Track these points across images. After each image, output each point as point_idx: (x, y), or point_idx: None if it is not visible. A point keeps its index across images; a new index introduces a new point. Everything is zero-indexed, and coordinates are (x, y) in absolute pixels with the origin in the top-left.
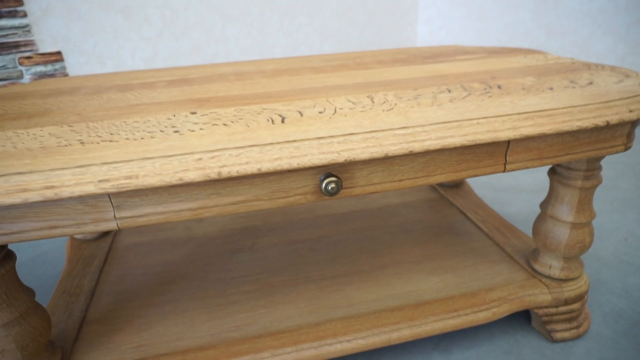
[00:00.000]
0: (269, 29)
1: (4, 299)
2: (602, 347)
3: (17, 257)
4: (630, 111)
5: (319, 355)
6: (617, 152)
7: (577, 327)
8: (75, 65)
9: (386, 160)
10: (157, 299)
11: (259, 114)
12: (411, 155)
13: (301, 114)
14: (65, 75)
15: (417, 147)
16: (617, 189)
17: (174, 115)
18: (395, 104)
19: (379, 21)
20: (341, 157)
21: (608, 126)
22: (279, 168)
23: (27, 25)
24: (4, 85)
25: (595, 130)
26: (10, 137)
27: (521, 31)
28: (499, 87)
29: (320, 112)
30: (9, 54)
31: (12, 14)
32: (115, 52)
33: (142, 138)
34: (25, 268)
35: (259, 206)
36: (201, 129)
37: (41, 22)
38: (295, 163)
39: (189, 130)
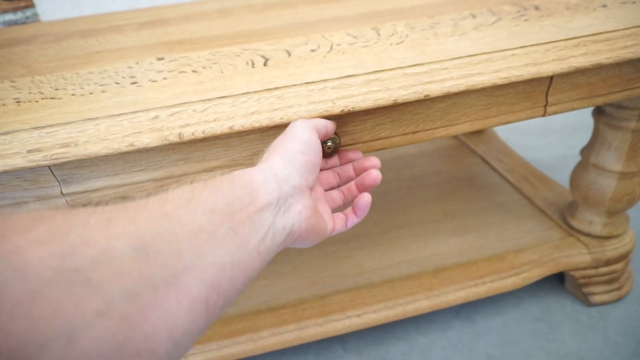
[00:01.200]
0: None
1: None
2: None
3: None
4: None
5: (324, 332)
6: None
7: (619, 288)
8: (48, 11)
9: (395, 109)
10: None
11: (237, 56)
12: (427, 101)
13: (289, 54)
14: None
15: (435, 89)
16: None
17: (137, 63)
18: (407, 36)
19: None
20: (336, 108)
21: None
22: (256, 125)
23: None
24: None
25: None
26: None
27: None
28: (536, 8)
29: (313, 50)
30: None
31: None
32: None
33: (90, 93)
34: None
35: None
36: (165, 78)
37: None
38: (277, 118)
39: (149, 80)
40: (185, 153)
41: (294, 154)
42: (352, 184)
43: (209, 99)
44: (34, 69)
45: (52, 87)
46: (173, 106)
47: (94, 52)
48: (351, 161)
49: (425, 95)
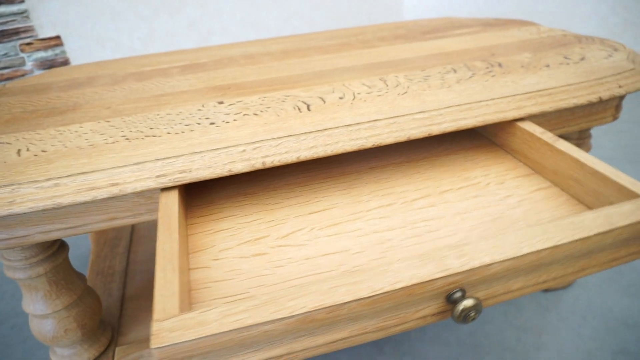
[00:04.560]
0: (261, 0)
1: (63, 284)
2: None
3: None
4: (620, 87)
5: None
6: (606, 122)
7: None
8: (75, 49)
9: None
10: None
11: (283, 101)
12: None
13: (323, 101)
14: (66, 59)
15: (435, 129)
16: (602, 147)
17: (203, 106)
18: (408, 87)
19: None
20: (369, 142)
21: (600, 101)
22: (315, 156)
23: (25, 11)
24: (10, 74)
25: (589, 105)
26: (55, 136)
27: None
28: (500, 65)
29: (341, 98)
30: (9, 41)
31: (10, 0)
32: (113, 34)
33: (182, 132)
34: None
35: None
36: (234, 119)
37: (39, 7)
38: (329, 150)
39: (223, 122)
40: (308, 330)
41: None
42: None
43: (279, 137)
44: (116, 110)
45: (146, 127)
46: (254, 142)
47: (159, 95)
48: None
49: (429, 134)
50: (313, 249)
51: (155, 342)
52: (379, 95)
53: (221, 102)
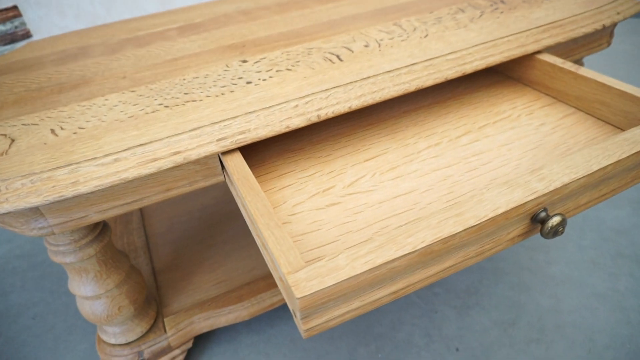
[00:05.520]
0: None
1: (111, 263)
2: None
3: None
4: (618, 13)
5: None
6: (602, 49)
7: None
8: (34, 19)
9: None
10: (214, 240)
11: (309, 54)
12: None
13: (351, 50)
14: (27, 32)
15: (468, 68)
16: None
17: (227, 66)
18: (427, 30)
19: None
20: (412, 86)
21: (603, 29)
22: (365, 104)
23: None
24: None
25: (592, 33)
26: (83, 112)
27: None
28: (502, 1)
29: (366, 46)
30: None
31: None
32: (73, 0)
33: (222, 94)
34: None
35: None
36: (271, 77)
37: None
38: (377, 97)
39: (260, 79)
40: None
41: None
42: None
43: (326, 89)
44: (134, 79)
45: (180, 92)
46: (304, 97)
47: (172, 60)
48: None
49: (463, 73)
50: (383, 193)
51: (298, 293)
52: (403, 40)
53: (245, 61)
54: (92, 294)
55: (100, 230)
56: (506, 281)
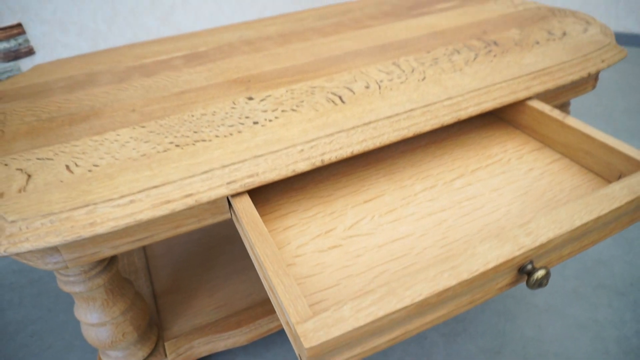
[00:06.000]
0: None
1: (117, 291)
2: None
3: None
4: (603, 61)
5: None
6: (586, 92)
7: None
8: (37, 35)
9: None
10: (213, 262)
11: (312, 94)
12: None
13: (352, 92)
14: (30, 48)
15: (463, 114)
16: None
17: (234, 103)
18: (424, 72)
19: None
20: (410, 132)
21: (589, 76)
22: (366, 149)
23: None
24: None
25: (579, 79)
26: (96, 147)
27: None
28: (495, 43)
29: (367, 87)
30: None
31: None
32: (76, 16)
33: (230, 134)
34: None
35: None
36: (276, 117)
37: None
38: (377, 142)
39: (266, 120)
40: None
41: None
42: None
43: (330, 134)
44: (143, 113)
45: (189, 130)
46: (309, 141)
47: (179, 93)
48: None
49: (458, 119)
50: (382, 236)
51: (307, 343)
52: (402, 83)
53: (251, 98)
54: (97, 321)
55: (108, 261)
56: (492, 309)
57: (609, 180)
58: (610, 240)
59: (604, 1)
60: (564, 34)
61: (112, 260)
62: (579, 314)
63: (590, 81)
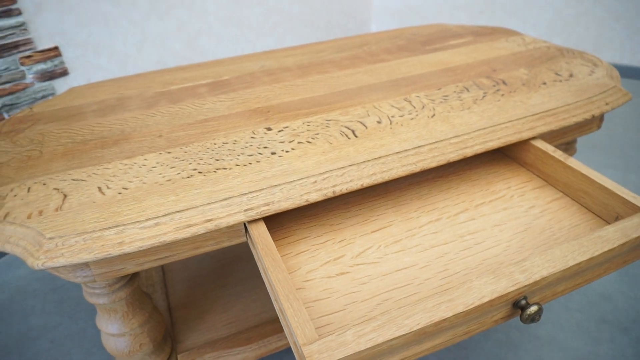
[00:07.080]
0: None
1: (137, 305)
2: None
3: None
4: (607, 104)
5: None
6: (592, 132)
7: None
8: (72, 58)
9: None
10: (226, 280)
11: (327, 127)
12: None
13: (365, 126)
14: (65, 69)
15: (469, 152)
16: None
17: (254, 133)
18: (434, 109)
19: None
20: (417, 168)
21: (592, 118)
22: (374, 182)
23: (23, 24)
24: (11, 88)
25: (583, 122)
26: (125, 171)
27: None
28: (504, 82)
29: (379, 122)
30: (9, 55)
31: (7, 13)
32: (107, 40)
33: (249, 163)
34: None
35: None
36: (293, 148)
37: (36, 19)
38: (386, 176)
39: (283, 151)
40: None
41: None
42: None
43: (342, 167)
44: (169, 139)
45: (211, 158)
46: (322, 173)
47: (203, 121)
48: None
49: (463, 156)
50: (386, 266)
51: None
52: (412, 119)
53: (269, 129)
54: (117, 331)
55: (131, 276)
56: (495, 338)
57: (606, 221)
58: (615, 275)
59: (619, 35)
60: (571, 75)
61: (134, 276)
62: (580, 347)
63: (595, 122)
